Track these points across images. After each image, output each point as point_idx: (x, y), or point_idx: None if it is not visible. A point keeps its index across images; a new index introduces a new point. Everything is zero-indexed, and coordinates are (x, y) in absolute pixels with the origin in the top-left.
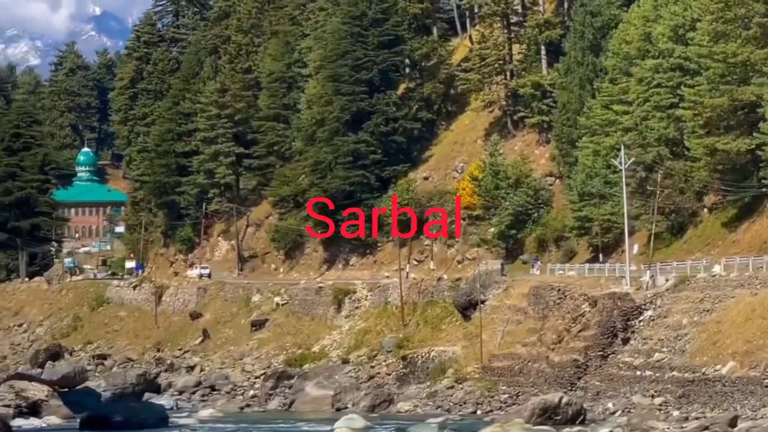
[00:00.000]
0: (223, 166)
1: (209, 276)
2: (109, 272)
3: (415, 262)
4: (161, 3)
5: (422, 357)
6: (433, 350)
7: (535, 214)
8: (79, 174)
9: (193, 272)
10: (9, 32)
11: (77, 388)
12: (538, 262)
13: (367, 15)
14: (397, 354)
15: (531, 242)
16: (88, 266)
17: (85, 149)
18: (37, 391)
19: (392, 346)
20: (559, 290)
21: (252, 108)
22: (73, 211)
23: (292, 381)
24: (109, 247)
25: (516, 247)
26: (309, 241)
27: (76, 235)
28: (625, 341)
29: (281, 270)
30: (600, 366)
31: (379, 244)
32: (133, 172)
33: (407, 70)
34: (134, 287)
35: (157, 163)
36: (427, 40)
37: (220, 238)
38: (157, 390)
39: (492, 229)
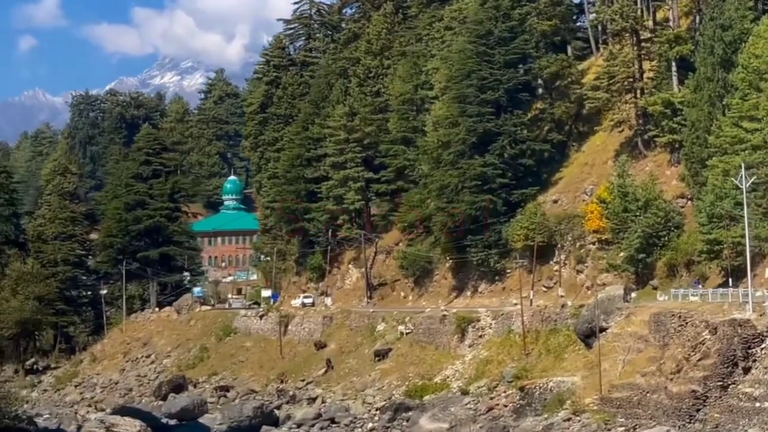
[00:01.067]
0: (352, 192)
1: (312, 305)
2: (247, 302)
3: (545, 289)
4: (293, 26)
5: (540, 388)
6: (551, 381)
7: (665, 238)
8: (225, 202)
9: (296, 301)
10: (184, 64)
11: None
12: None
13: (493, 33)
14: (516, 385)
15: (661, 267)
16: (230, 296)
17: (232, 177)
18: (129, 426)
19: (512, 376)
20: (680, 317)
21: (382, 132)
22: (219, 239)
23: (410, 413)
24: (255, 276)
25: (646, 272)
26: (438, 268)
27: (222, 264)
28: (746, 370)
29: (410, 298)
30: (720, 397)
31: (508, 271)
32: (263, 199)
33: (540, 90)
34: (261, 317)
35: (286, 190)
36: (556, 58)
37: (350, 266)
38: (275, 423)
39: (621, 254)
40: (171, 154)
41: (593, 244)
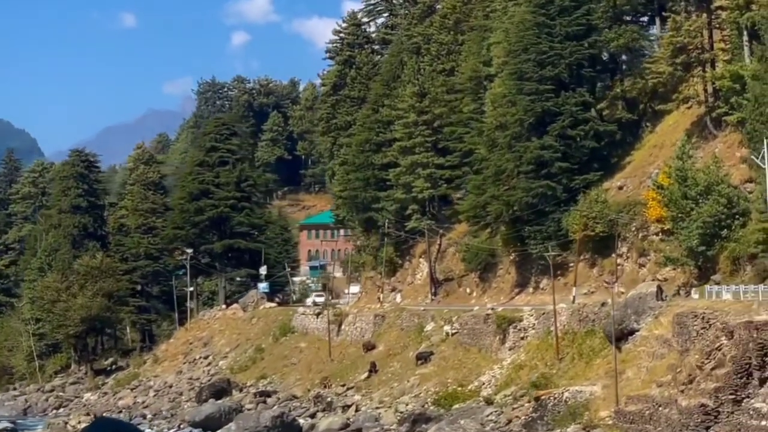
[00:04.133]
0: (420, 179)
1: (324, 305)
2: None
3: (606, 284)
4: (372, 2)
5: (554, 398)
6: (567, 390)
7: (728, 228)
8: None
9: (309, 300)
10: None
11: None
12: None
13: (554, 2)
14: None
15: (724, 260)
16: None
17: None
18: None
19: (531, 384)
20: (702, 318)
21: (455, 113)
22: (342, 232)
23: (429, 425)
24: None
25: (709, 267)
26: (502, 262)
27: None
28: (763, 382)
29: (474, 294)
30: (732, 412)
31: (570, 265)
32: (335, 187)
33: (610, 65)
34: (317, 315)
35: (354, 177)
36: (624, 30)
37: (421, 260)
38: None
39: (682, 245)
40: (239, 140)
41: (656, 234)
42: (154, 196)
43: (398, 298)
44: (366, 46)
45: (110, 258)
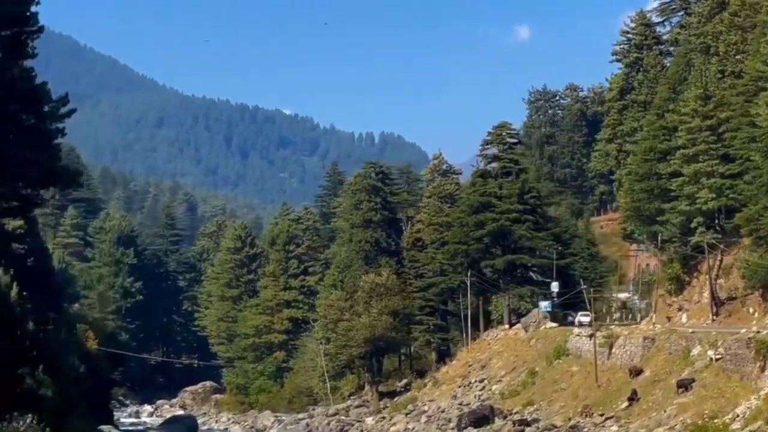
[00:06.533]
0: (705, 189)
1: (590, 325)
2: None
3: None
4: (666, 0)
5: None
6: None
7: None
8: None
9: (577, 318)
10: None
11: None
12: None
13: None
14: None
15: None
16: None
17: None
18: None
19: None
20: None
21: (738, 118)
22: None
23: None
24: None
25: None
26: None
27: None
28: None
29: (756, 315)
30: None
31: None
32: (622, 198)
33: None
34: (590, 336)
35: (639, 188)
36: None
37: (707, 277)
38: None
39: None
40: (523, 149)
41: None
42: (449, 209)
43: (684, 318)
44: (655, 48)
45: (402, 274)
